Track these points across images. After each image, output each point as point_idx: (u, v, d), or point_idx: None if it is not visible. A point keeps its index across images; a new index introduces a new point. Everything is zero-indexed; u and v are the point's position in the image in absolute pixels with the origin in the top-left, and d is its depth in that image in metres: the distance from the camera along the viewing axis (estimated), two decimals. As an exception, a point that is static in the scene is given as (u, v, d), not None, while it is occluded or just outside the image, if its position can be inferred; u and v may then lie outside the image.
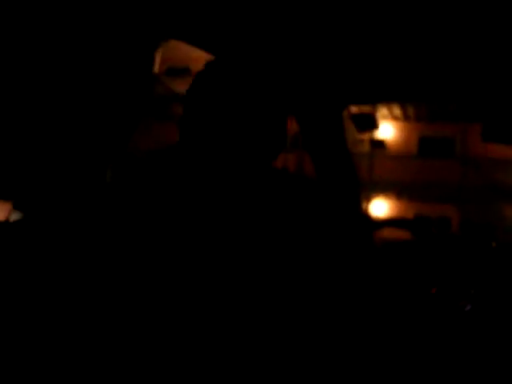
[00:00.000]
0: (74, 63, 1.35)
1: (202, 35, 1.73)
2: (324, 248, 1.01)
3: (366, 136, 10.43)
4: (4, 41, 1.29)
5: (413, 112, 15.25)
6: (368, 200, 14.35)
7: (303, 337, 0.94)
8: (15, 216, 1.41)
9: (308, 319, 0.95)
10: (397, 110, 15.40)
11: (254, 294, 0.92)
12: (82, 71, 1.36)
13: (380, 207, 14.85)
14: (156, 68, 14.89)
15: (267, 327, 0.91)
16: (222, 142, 0.96)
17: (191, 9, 1.59)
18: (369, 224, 2.49)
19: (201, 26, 1.69)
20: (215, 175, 0.96)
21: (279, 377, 0.91)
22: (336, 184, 2.38)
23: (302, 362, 0.93)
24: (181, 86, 10.19)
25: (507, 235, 12.71)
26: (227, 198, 0.95)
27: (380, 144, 11.59)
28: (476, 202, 13.61)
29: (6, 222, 1.42)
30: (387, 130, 15.10)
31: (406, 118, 15.76)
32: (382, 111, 14.97)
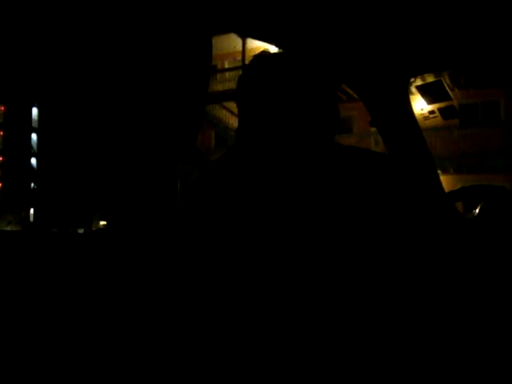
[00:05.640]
0: (137, 65, 1.27)
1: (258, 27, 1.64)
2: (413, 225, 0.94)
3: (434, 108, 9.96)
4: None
5: (449, 80, 14.70)
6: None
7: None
8: (99, 225, 1.35)
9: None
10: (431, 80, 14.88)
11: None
12: (146, 73, 1.28)
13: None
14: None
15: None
16: (281, 129, 0.93)
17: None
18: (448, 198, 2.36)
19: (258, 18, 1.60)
20: (283, 163, 0.93)
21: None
22: (410, 159, 2.29)
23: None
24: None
25: None
26: (304, 183, 0.91)
27: (453, 113, 10.74)
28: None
29: (94, 231, 1.36)
30: (423, 103, 14.67)
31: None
32: (415, 83, 14.53)
